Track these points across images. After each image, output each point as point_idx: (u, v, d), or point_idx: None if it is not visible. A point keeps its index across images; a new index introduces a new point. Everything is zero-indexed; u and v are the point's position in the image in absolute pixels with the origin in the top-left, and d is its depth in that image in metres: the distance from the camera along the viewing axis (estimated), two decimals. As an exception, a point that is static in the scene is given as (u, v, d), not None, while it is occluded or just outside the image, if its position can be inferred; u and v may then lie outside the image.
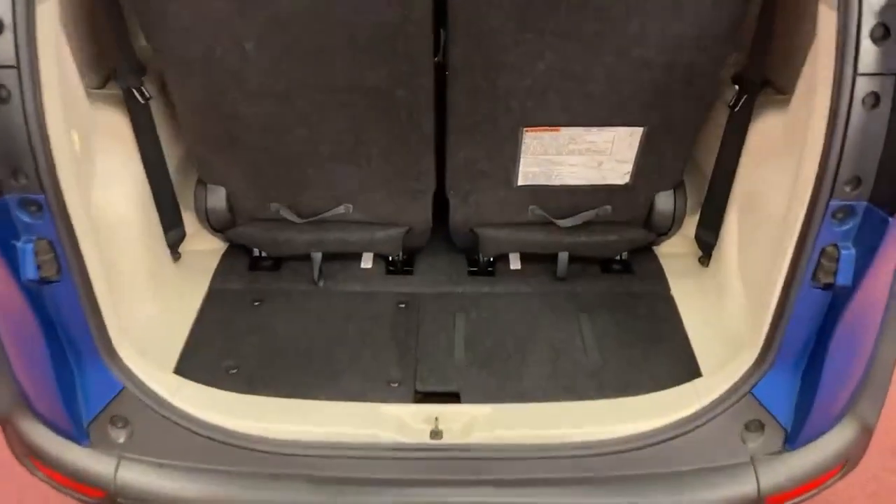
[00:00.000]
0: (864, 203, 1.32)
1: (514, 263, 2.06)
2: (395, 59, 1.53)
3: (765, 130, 1.76)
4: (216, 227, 1.98)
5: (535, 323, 1.86)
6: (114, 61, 1.76)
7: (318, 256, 1.95)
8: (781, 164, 1.56)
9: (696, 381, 1.63)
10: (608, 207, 1.89)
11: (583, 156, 1.77)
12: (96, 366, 1.49)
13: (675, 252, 2.09)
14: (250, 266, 2.05)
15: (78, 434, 1.51)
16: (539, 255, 2.01)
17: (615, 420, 1.55)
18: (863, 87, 1.25)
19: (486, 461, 1.50)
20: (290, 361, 1.74)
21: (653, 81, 1.58)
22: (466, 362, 1.75)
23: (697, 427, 1.51)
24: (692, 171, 2.01)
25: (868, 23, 1.23)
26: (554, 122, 1.68)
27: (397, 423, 1.55)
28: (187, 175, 2.00)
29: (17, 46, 1.22)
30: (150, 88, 1.79)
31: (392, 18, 1.46)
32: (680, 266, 2.05)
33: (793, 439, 1.52)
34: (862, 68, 1.24)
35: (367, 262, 2.05)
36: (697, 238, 2.04)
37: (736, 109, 1.80)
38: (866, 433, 1.58)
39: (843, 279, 1.36)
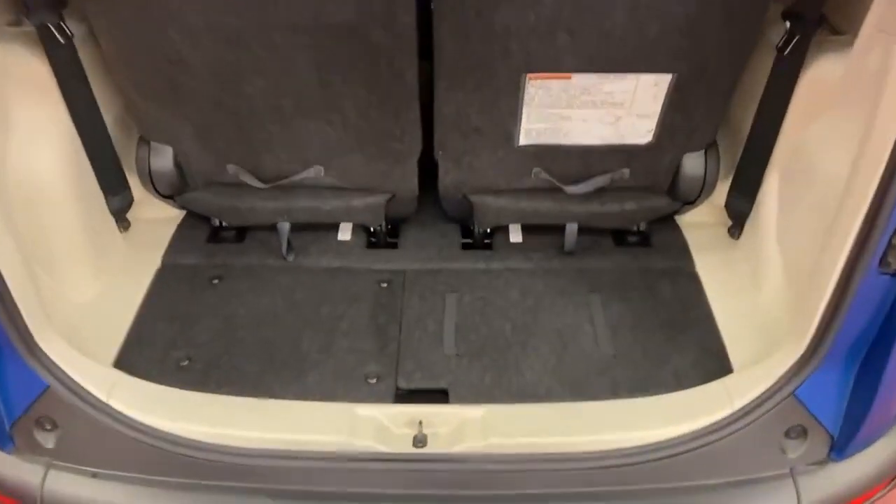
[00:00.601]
0: None
1: (515, 236, 1.99)
2: None
3: (820, 78, 1.64)
4: (164, 192, 1.91)
5: (538, 306, 1.78)
6: None
7: (285, 227, 1.87)
8: (841, 118, 1.47)
9: (727, 379, 1.55)
10: (625, 171, 1.81)
11: (597, 109, 1.67)
12: (16, 361, 1.41)
13: (700, 221, 2.00)
14: (209, 237, 1.97)
15: (0, 437, 1.44)
16: (543, 226, 1.94)
17: (631, 425, 1.48)
18: None
19: (478, 474, 1.44)
20: (252, 352, 1.67)
21: (686, 17, 1.48)
22: (457, 354, 1.68)
23: (730, 434, 1.43)
24: (724, 127, 1.91)
25: None
26: (563, 68, 1.58)
27: (375, 427, 1.48)
28: (131, 131, 1.90)
29: None
30: (72, 25, 1.66)
31: None
32: (706, 238, 1.96)
33: (840, 448, 1.45)
34: None
35: (345, 233, 1.97)
36: (728, 205, 1.94)
37: (786, 52, 1.67)
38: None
39: (920, 266, 1.28)
